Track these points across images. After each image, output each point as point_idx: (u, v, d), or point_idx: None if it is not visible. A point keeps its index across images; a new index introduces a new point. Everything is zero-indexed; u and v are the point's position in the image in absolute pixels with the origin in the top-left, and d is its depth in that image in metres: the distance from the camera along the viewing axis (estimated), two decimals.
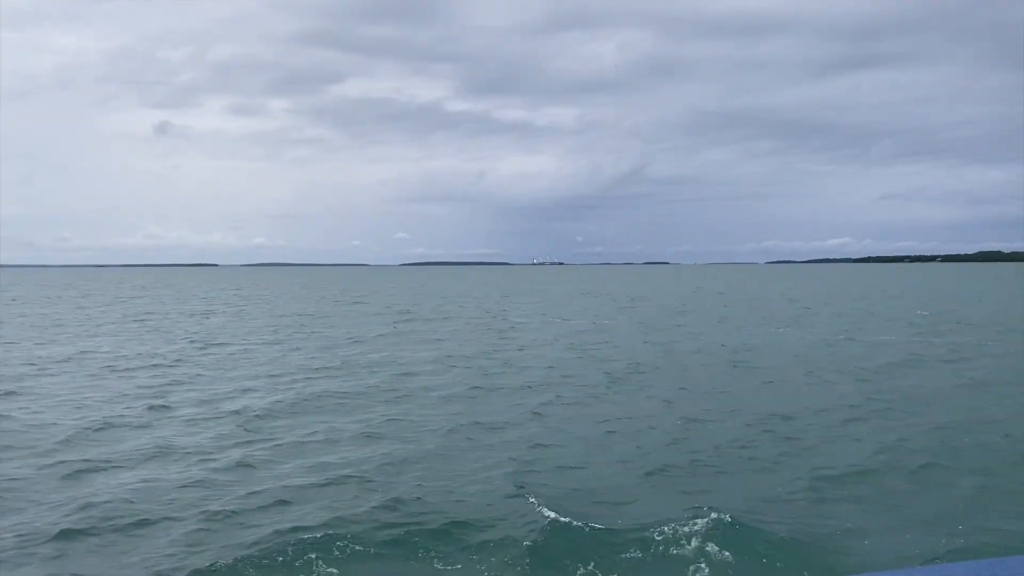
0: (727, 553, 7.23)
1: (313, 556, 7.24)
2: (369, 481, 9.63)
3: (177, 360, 22.14)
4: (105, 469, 10.35)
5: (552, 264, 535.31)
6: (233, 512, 8.49)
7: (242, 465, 10.44)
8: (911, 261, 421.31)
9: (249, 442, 11.72)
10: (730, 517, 7.91)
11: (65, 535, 7.80)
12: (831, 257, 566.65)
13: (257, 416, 13.65)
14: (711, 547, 7.33)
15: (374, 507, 8.55)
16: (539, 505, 8.48)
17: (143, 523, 8.18)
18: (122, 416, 13.79)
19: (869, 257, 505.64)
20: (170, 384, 17.66)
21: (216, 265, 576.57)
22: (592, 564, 7.10)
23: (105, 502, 8.77)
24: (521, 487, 9.22)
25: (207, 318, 41.89)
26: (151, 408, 14.39)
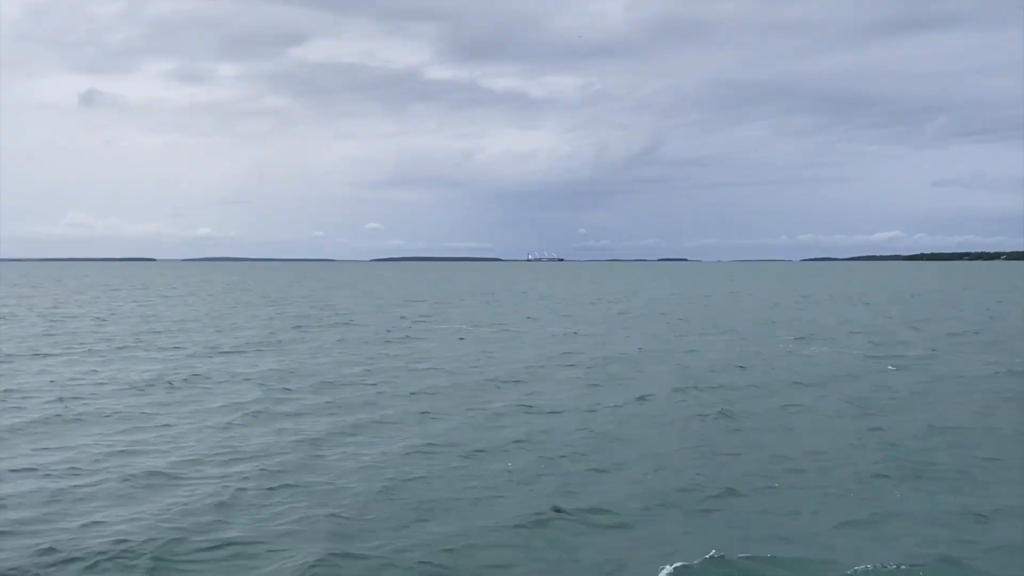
0: None
1: None
2: None
3: None
4: None
5: (550, 260, 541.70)
6: None
7: None
8: (971, 258, 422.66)
9: None
10: None
11: None
12: (878, 254, 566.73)
13: None
14: None
15: None
16: None
17: None
18: None
19: (922, 254, 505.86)
20: None
21: (153, 260, 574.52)
22: None
23: None
24: None
25: None
26: None
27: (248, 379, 22.33)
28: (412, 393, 20.16)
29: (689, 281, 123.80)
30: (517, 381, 22.06)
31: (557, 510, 11.03)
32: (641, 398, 19.34)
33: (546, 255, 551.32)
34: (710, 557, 9.44)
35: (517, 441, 14.98)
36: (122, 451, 14.01)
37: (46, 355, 26.90)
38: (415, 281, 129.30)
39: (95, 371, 23.40)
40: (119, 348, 29.37)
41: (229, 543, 9.76)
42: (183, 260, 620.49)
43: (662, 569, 9.16)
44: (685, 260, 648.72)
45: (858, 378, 22.62)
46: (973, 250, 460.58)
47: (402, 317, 46.58)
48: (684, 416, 17.27)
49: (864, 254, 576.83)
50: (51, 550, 9.51)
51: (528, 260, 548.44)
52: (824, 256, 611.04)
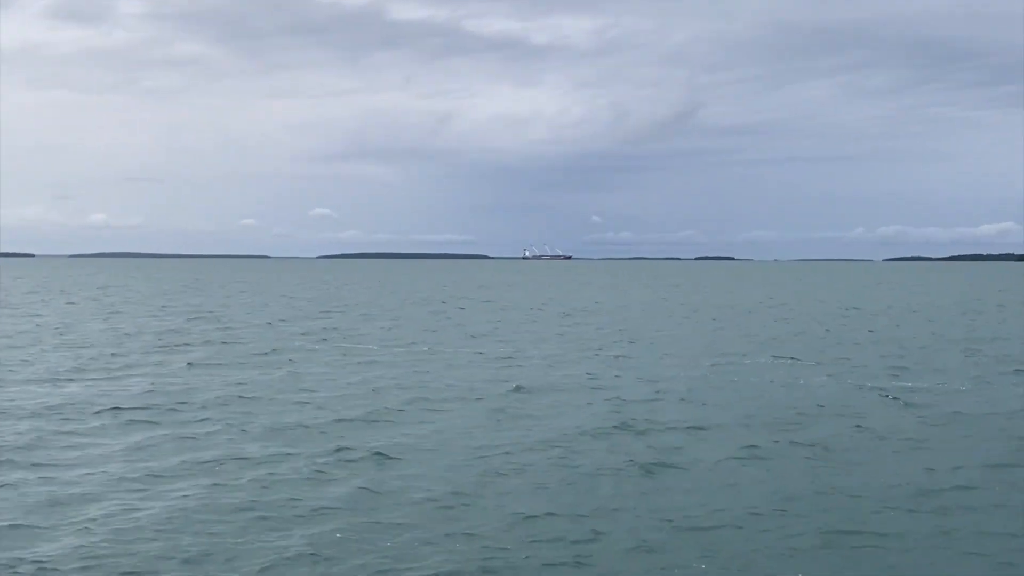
0: None
1: None
2: None
3: None
4: None
5: (552, 258, 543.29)
6: None
7: None
8: None
9: None
10: None
11: None
12: (984, 252, 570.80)
13: None
14: None
15: None
16: None
17: None
18: None
19: None
20: None
21: (31, 256, 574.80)
22: None
23: None
24: None
25: None
26: None
27: (23, 410, 22.76)
28: (237, 435, 20.42)
29: (728, 288, 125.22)
30: (385, 421, 22.38)
31: None
32: (546, 442, 19.57)
33: (548, 251, 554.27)
34: None
35: (318, 508, 14.78)
36: None
37: None
38: (362, 284, 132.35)
39: None
40: None
41: None
42: (70, 256, 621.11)
43: None
44: (731, 259, 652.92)
45: (842, 416, 22.90)
46: None
47: (304, 333, 46.94)
48: (588, 469, 17.43)
49: (965, 252, 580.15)
50: None
51: (524, 257, 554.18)
52: (914, 255, 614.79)
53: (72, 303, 77.11)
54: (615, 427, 21.33)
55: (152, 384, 27.78)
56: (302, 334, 46.43)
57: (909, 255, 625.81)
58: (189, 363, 33.49)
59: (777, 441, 20.10)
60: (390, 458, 18.18)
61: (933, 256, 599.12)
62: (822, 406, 24.47)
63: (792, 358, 35.97)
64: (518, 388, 27.20)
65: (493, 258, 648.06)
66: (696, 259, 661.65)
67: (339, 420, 22.26)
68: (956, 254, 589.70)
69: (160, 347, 39.74)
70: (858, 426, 21.60)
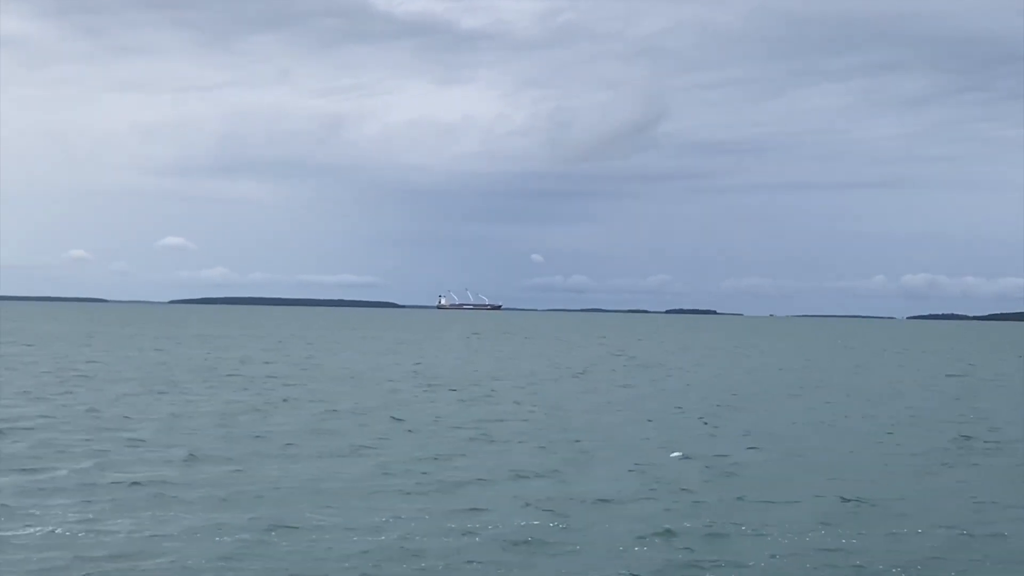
0: None
1: None
2: None
3: None
4: None
5: (478, 307, 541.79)
6: None
7: None
8: None
9: None
10: None
11: None
12: None
13: None
14: None
15: None
16: None
17: None
18: None
19: None
20: None
21: None
22: None
23: None
24: None
25: None
26: None
27: None
28: None
29: (696, 346, 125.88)
30: None
31: None
32: None
33: (471, 299, 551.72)
34: None
35: None
36: None
37: None
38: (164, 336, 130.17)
39: None
40: None
41: None
42: None
43: None
44: (713, 312, 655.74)
45: None
46: None
47: None
48: None
49: (1012, 309, 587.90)
50: None
51: (439, 307, 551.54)
52: (947, 312, 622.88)
53: None
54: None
55: None
56: None
57: (941, 312, 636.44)
58: None
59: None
60: None
61: (970, 314, 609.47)
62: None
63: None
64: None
65: (403, 306, 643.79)
66: (666, 312, 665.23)
67: None
68: (1000, 312, 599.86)
69: None
70: None
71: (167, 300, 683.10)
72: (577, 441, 35.78)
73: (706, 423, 41.66)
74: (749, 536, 21.05)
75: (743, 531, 21.29)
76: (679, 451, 32.98)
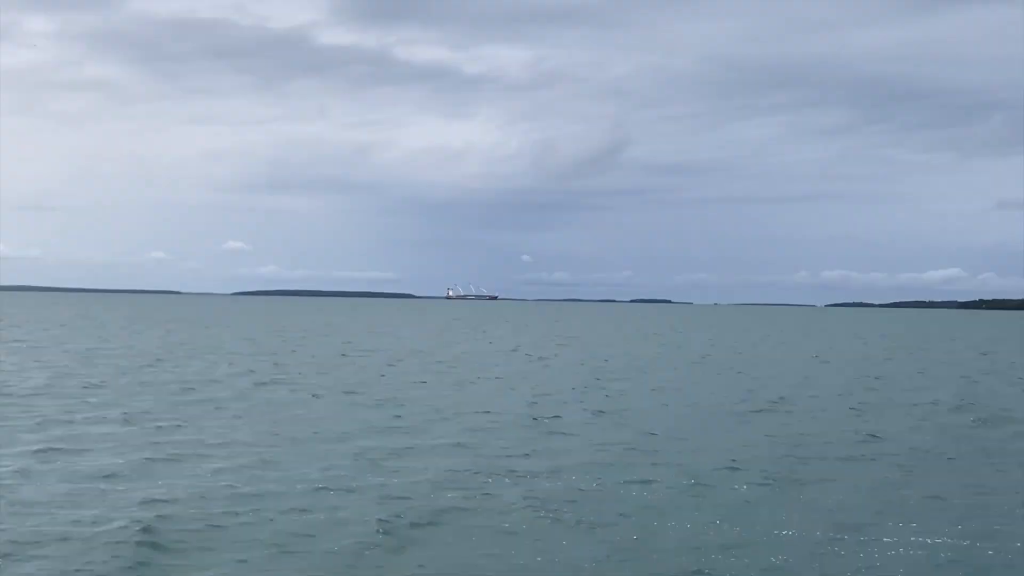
0: None
1: None
2: None
3: None
4: None
5: (478, 298, 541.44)
6: None
7: None
8: None
9: None
10: None
11: None
12: (929, 300, 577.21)
13: None
14: None
15: None
16: None
17: None
18: None
19: (983, 300, 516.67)
20: None
21: None
22: None
23: None
24: None
25: None
26: None
27: None
28: None
29: (632, 330, 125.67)
30: None
31: None
32: None
33: (473, 291, 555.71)
34: None
35: None
36: None
37: None
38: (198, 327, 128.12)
39: None
40: None
41: None
42: None
43: None
44: (668, 302, 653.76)
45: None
46: None
47: None
48: None
49: (911, 299, 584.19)
50: None
51: (448, 297, 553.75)
52: (858, 300, 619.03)
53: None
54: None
55: None
56: None
57: (852, 300, 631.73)
58: None
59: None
60: None
61: (876, 302, 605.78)
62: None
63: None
64: None
65: (419, 297, 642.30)
66: (631, 301, 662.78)
67: None
68: (900, 300, 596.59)
69: None
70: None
71: (230, 292, 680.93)
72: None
73: (574, 389, 40.58)
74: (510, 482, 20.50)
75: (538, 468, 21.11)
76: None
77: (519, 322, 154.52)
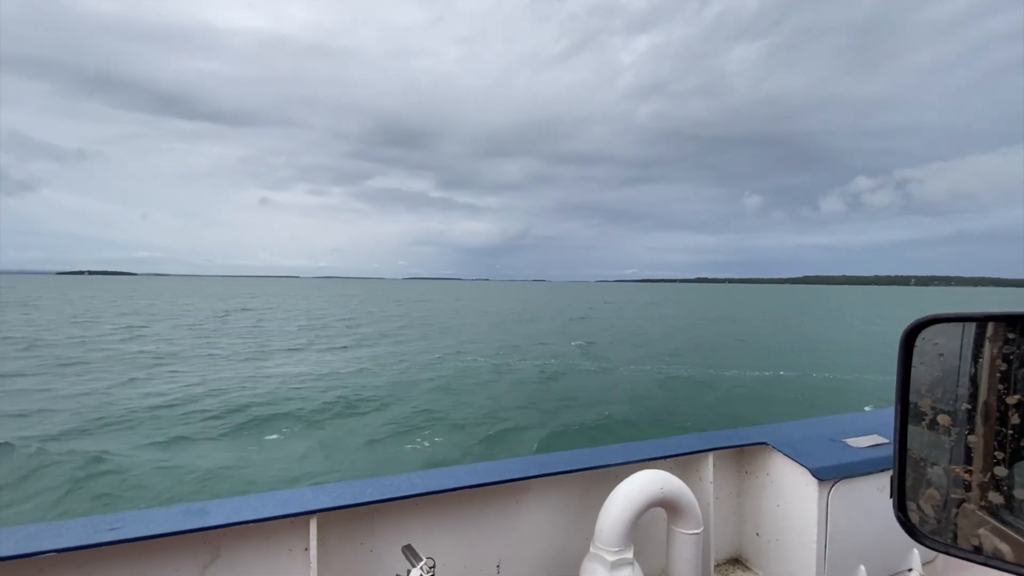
0: None
1: None
2: None
3: None
4: None
5: (479, 280, 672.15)
6: None
7: None
8: None
9: None
10: None
11: None
12: None
13: None
14: None
15: None
16: None
17: None
18: None
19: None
20: None
21: (297, 277, 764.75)
22: None
23: None
24: None
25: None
26: None
27: None
28: None
29: (541, 294, 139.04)
30: None
31: None
32: None
33: (482, 276, 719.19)
34: None
35: None
36: None
37: None
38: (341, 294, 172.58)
39: None
40: None
41: None
42: (314, 278, 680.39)
43: None
44: (545, 281, 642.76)
45: None
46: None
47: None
48: None
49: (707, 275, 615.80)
50: None
51: (473, 280, 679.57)
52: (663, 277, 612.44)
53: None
54: None
55: None
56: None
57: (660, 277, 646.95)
58: None
59: None
60: None
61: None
62: None
63: None
64: None
65: (463, 280, 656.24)
66: (531, 280, 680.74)
67: None
68: (698, 276, 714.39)
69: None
70: None
71: (401, 277, 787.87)
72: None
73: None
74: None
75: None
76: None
77: None
